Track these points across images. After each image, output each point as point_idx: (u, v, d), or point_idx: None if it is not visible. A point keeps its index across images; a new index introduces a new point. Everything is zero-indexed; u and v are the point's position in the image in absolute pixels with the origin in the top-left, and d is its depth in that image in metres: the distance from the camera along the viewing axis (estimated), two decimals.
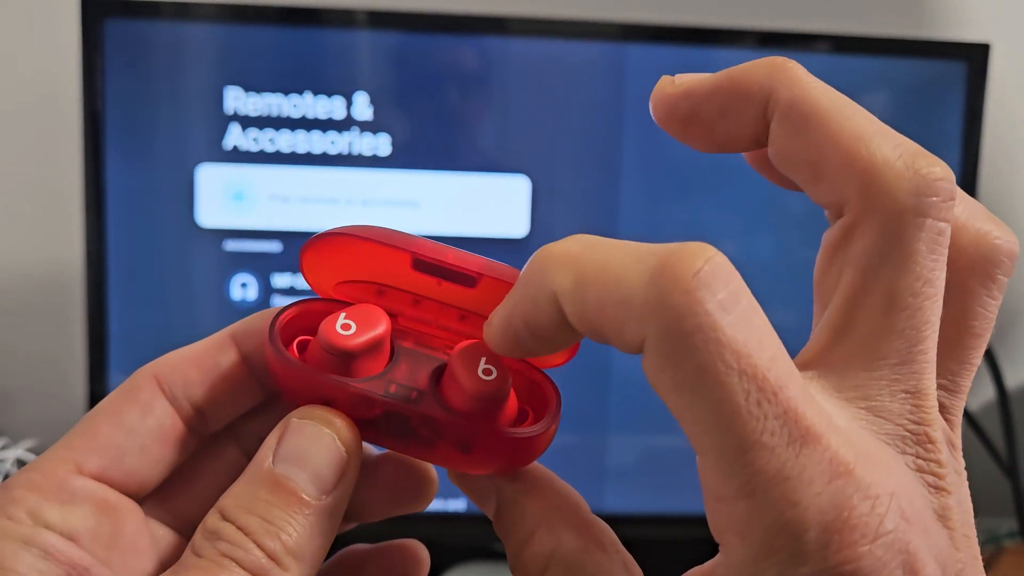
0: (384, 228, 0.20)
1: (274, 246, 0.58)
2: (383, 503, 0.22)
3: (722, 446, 0.14)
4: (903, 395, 0.15)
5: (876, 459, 0.14)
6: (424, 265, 0.20)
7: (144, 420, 0.20)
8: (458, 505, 0.61)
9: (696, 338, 0.14)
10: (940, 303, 0.16)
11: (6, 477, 0.60)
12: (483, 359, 0.19)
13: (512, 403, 0.20)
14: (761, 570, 0.14)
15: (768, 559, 0.14)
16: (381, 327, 0.19)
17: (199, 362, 0.21)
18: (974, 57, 0.59)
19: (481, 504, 0.20)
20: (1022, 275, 0.82)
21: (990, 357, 0.65)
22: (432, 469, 0.22)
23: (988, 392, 0.70)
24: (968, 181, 0.60)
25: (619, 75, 0.57)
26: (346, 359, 0.19)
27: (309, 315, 0.20)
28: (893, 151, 0.16)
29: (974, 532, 0.16)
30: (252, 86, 0.57)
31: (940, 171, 0.16)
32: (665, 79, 0.18)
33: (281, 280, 0.58)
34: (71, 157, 0.62)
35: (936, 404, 0.16)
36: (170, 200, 0.57)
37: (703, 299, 0.14)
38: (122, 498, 0.20)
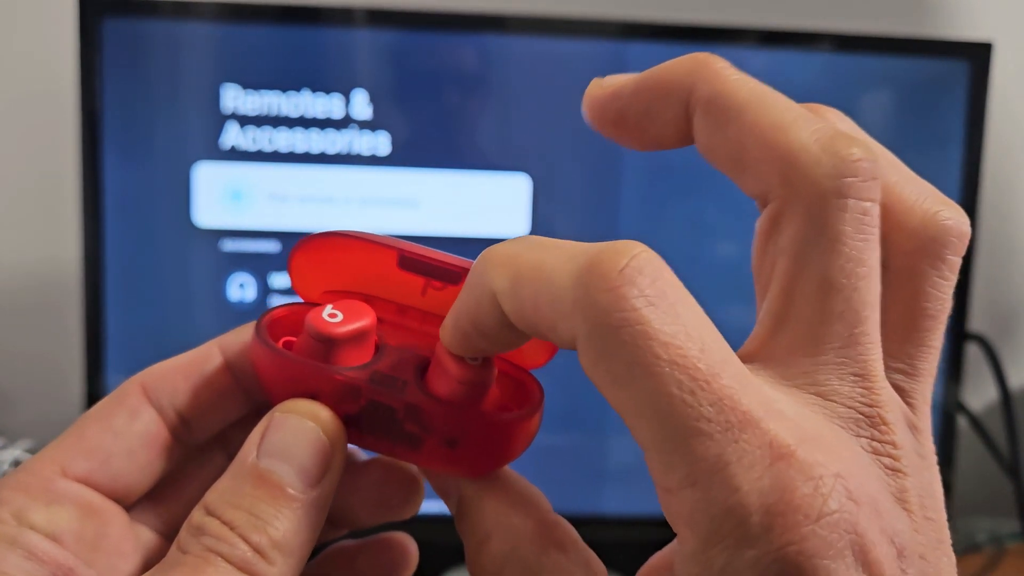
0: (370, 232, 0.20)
1: (272, 246, 0.58)
2: (371, 509, 0.22)
3: (662, 437, 0.14)
4: (852, 378, 0.15)
5: (822, 441, 0.14)
6: (410, 262, 0.20)
7: (130, 425, 0.20)
8: None
9: (624, 332, 0.14)
10: (876, 283, 0.16)
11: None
12: None
13: (495, 396, 0.20)
14: (711, 557, 0.14)
15: (716, 546, 0.14)
16: (367, 319, 0.19)
17: (185, 371, 0.21)
18: (976, 56, 0.59)
19: (445, 499, 0.20)
20: (1023, 275, 0.81)
21: (992, 357, 0.65)
22: (419, 475, 0.22)
23: (991, 393, 0.70)
24: (971, 180, 0.60)
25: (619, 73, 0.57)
26: (331, 347, 0.19)
27: (295, 317, 0.21)
28: (810, 136, 0.16)
29: (941, 516, 0.16)
30: (250, 85, 0.56)
31: (858, 152, 0.15)
32: (594, 82, 0.19)
33: (279, 280, 0.58)
34: (68, 156, 0.62)
35: (886, 385, 0.16)
36: (167, 199, 0.57)
37: (627, 295, 0.14)
38: (107, 502, 0.20)
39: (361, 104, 0.57)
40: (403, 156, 0.57)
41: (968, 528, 0.68)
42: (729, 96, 0.16)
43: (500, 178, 0.58)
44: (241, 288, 0.58)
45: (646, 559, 0.18)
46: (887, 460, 0.15)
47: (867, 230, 0.15)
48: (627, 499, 0.61)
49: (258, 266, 0.58)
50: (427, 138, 0.58)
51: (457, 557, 0.68)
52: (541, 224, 0.58)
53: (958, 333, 0.61)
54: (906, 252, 0.17)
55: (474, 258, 0.19)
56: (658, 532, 0.60)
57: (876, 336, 0.16)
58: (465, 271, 0.20)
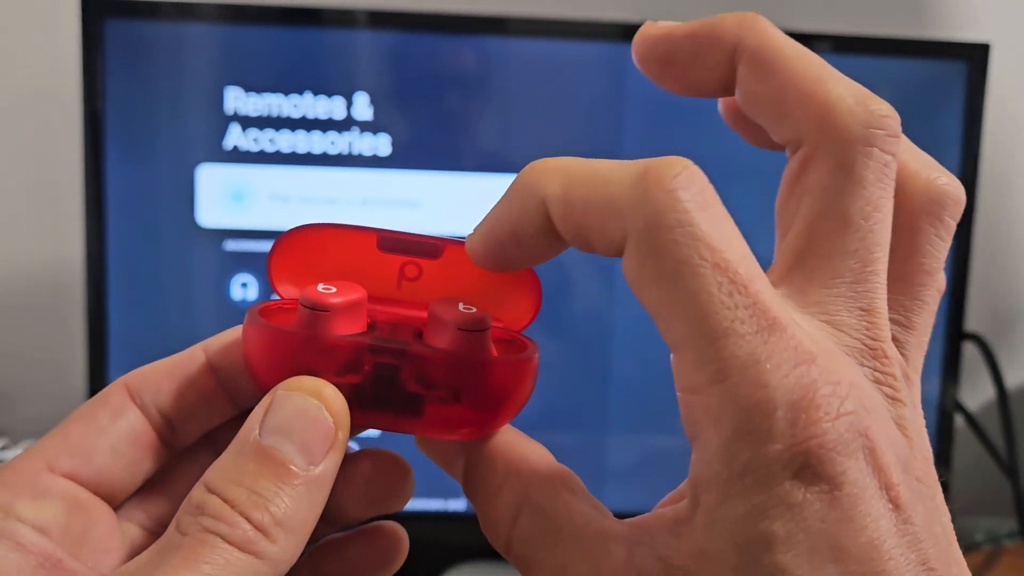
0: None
1: None
2: (361, 502, 0.22)
3: (697, 335, 0.15)
4: (859, 312, 0.16)
5: (836, 356, 0.16)
6: (390, 242, 0.20)
7: (114, 424, 0.20)
8: (458, 505, 0.61)
9: (676, 232, 0.15)
10: (888, 229, 0.17)
11: None
12: (460, 303, 0.20)
13: (492, 349, 0.20)
14: (735, 453, 0.15)
15: (741, 441, 0.15)
16: (359, 293, 0.20)
17: (170, 373, 0.21)
18: (974, 57, 0.59)
19: (450, 468, 0.20)
20: (1021, 275, 0.82)
21: (990, 357, 0.65)
22: (409, 466, 0.22)
23: (988, 392, 0.70)
24: (968, 180, 0.60)
25: (619, 75, 0.57)
26: (327, 318, 0.19)
27: (284, 308, 0.21)
28: (846, 90, 0.17)
29: (932, 471, 0.17)
30: (252, 86, 0.57)
31: (886, 109, 0.17)
32: (648, 23, 0.20)
33: None
34: (71, 157, 0.62)
35: (888, 324, 0.17)
36: (170, 200, 0.57)
37: (682, 197, 0.15)
38: (94, 498, 0.20)
39: (362, 106, 0.57)
40: (404, 157, 0.58)
41: (965, 527, 0.68)
42: (775, 49, 0.18)
43: (500, 179, 0.58)
44: (243, 288, 0.58)
45: None
46: (888, 390, 0.16)
47: (886, 180, 0.17)
48: (627, 499, 0.61)
49: (260, 266, 0.58)
50: (428, 139, 0.58)
51: (457, 557, 0.68)
52: None
53: (955, 333, 0.62)
54: (908, 211, 0.18)
55: None
56: None
57: (884, 277, 0.17)
58: (444, 245, 0.20)
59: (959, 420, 0.66)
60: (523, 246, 0.18)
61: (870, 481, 0.15)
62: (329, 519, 0.22)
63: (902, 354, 0.17)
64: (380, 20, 0.57)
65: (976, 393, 0.74)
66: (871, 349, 0.16)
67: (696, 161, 0.16)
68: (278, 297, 0.21)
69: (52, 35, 0.67)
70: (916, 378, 0.18)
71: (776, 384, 0.15)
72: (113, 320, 0.58)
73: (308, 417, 0.18)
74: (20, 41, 0.69)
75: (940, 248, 0.18)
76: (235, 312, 0.58)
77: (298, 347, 0.19)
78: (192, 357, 0.21)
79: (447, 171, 0.58)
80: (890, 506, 0.15)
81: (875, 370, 0.16)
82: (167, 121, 0.57)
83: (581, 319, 0.59)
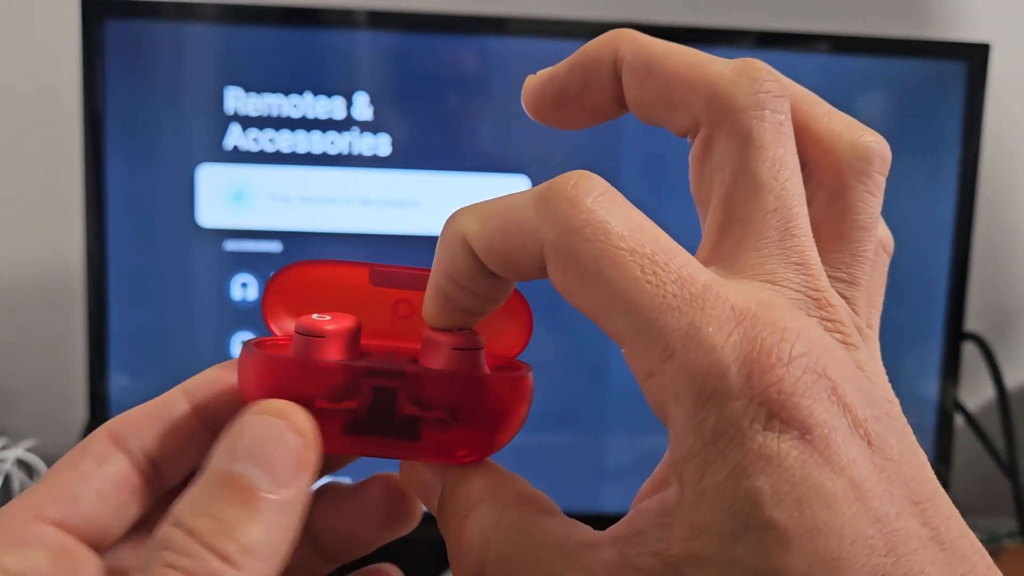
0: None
1: (274, 246, 0.58)
2: (375, 528, 0.22)
3: (635, 320, 0.15)
4: (795, 266, 0.17)
5: (778, 306, 0.16)
6: (381, 276, 0.21)
7: (99, 469, 0.20)
8: None
9: (586, 231, 0.16)
10: (800, 184, 0.18)
11: (6, 477, 0.61)
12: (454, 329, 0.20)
13: (486, 369, 0.20)
14: (702, 420, 0.15)
15: (704, 407, 0.15)
16: (353, 322, 0.20)
17: (152, 416, 0.21)
18: (974, 57, 0.59)
19: (427, 498, 0.20)
20: (1021, 275, 0.82)
21: (989, 357, 0.65)
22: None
23: (988, 392, 0.70)
24: (968, 180, 0.60)
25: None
26: (323, 344, 0.19)
27: (279, 345, 0.21)
28: (725, 66, 0.18)
29: (900, 412, 0.16)
30: (252, 86, 0.57)
31: (766, 72, 0.18)
32: (529, 76, 0.21)
33: None
34: (72, 157, 0.62)
35: (824, 275, 0.17)
36: (170, 200, 0.57)
37: (582, 199, 0.16)
38: (81, 546, 0.20)
39: (362, 106, 0.57)
40: (404, 157, 0.58)
41: None
42: (650, 51, 0.19)
43: (500, 179, 0.58)
44: (243, 288, 0.58)
45: None
46: (838, 336, 0.16)
47: (784, 138, 0.18)
48: (626, 499, 0.61)
49: (260, 266, 0.58)
50: (428, 139, 0.58)
51: None
52: None
53: (955, 333, 0.62)
54: (837, 171, 0.18)
55: None
56: None
57: (808, 230, 0.17)
58: None
59: (959, 420, 0.66)
60: (466, 290, 0.18)
61: (839, 421, 0.15)
62: (337, 553, 0.22)
63: (853, 309, 0.18)
64: (380, 20, 0.57)
65: (976, 393, 0.74)
66: (815, 300, 0.16)
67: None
68: (271, 335, 0.21)
69: (52, 35, 0.67)
70: (872, 334, 0.18)
71: (721, 344, 0.15)
72: (113, 320, 0.58)
73: (275, 439, 0.17)
74: (20, 41, 0.69)
75: (872, 204, 0.18)
76: (235, 311, 0.58)
77: (294, 373, 0.19)
78: (172, 399, 0.21)
79: (447, 171, 0.58)
80: (863, 443, 0.15)
81: (822, 319, 0.16)
82: (167, 121, 0.57)
83: (580, 319, 0.59)
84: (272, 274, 0.21)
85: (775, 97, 0.18)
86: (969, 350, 0.67)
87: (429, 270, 0.20)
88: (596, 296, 0.16)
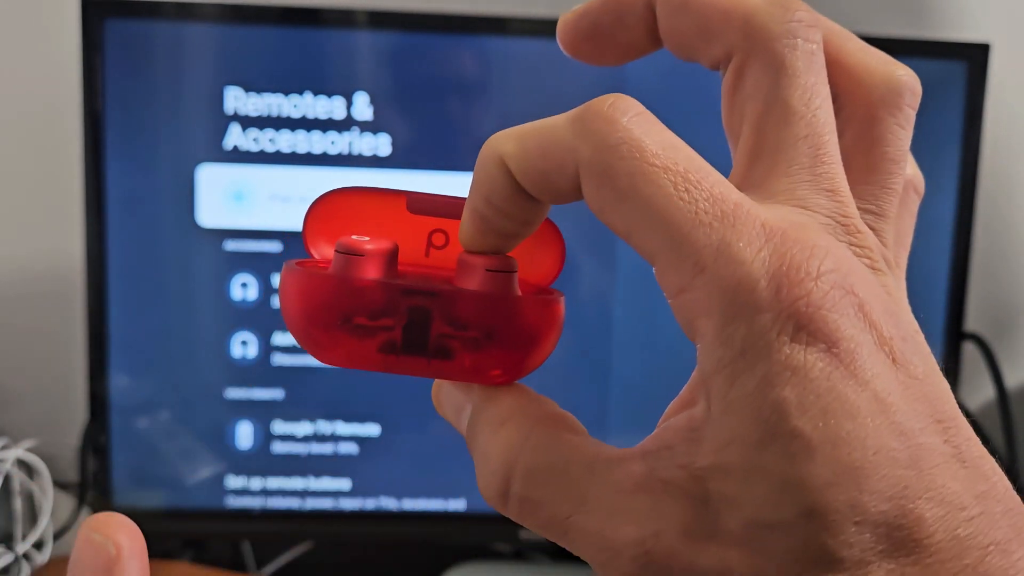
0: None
1: (274, 246, 0.58)
2: None
3: (667, 236, 0.16)
4: (826, 192, 0.17)
5: (808, 227, 0.16)
6: (418, 203, 0.21)
7: None
8: (458, 505, 0.61)
9: (622, 149, 0.16)
10: (830, 112, 0.18)
11: (6, 478, 0.61)
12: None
13: (519, 292, 0.20)
14: (731, 333, 0.15)
15: (733, 320, 0.15)
16: (391, 243, 0.20)
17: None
18: (974, 57, 0.59)
19: (457, 419, 0.20)
20: (1021, 275, 0.82)
21: (989, 357, 0.65)
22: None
23: (988, 392, 0.70)
24: (968, 180, 0.60)
25: (619, 75, 0.57)
26: (362, 263, 0.19)
27: (318, 267, 0.21)
28: None
29: (923, 338, 0.17)
30: (252, 86, 0.57)
31: (799, 3, 0.18)
32: (563, 14, 0.21)
33: None
34: (71, 157, 0.62)
35: (853, 202, 0.17)
36: (170, 200, 0.57)
37: (618, 119, 0.16)
38: None
39: (362, 106, 0.57)
40: (404, 157, 0.58)
41: None
42: None
43: None
44: (243, 288, 0.58)
45: None
46: (866, 261, 0.17)
47: (816, 66, 0.18)
48: None
49: (260, 266, 0.58)
50: (428, 140, 0.58)
51: (457, 557, 0.69)
52: None
53: (955, 333, 0.62)
54: (868, 104, 0.19)
55: None
56: None
57: (838, 158, 0.18)
58: None
59: None
60: (502, 211, 0.18)
61: (865, 336, 0.15)
62: None
63: (880, 240, 0.18)
64: (380, 20, 0.57)
65: (976, 393, 0.74)
66: (844, 225, 0.17)
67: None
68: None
69: (52, 35, 0.67)
70: (899, 272, 0.18)
71: (752, 259, 0.15)
72: (113, 320, 0.58)
73: (91, 552, 0.17)
74: (20, 41, 0.69)
75: (902, 137, 0.19)
76: (235, 311, 0.58)
77: (333, 290, 0.19)
78: None
79: (447, 171, 0.58)
80: (888, 360, 0.15)
81: (851, 244, 0.17)
82: (167, 121, 0.57)
83: (581, 319, 0.59)
84: (313, 201, 0.21)
85: (807, 27, 0.18)
86: (969, 350, 0.67)
87: (463, 198, 0.20)
88: (629, 213, 0.16)
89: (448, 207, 0.21)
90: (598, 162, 0.16)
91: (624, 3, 0.20)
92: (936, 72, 0.60)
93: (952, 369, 0.62)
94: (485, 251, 0.19)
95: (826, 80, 0.18)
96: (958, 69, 0.59)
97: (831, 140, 0.17)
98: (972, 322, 0.71)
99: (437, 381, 0.21)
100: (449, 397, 0.21)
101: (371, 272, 0.19)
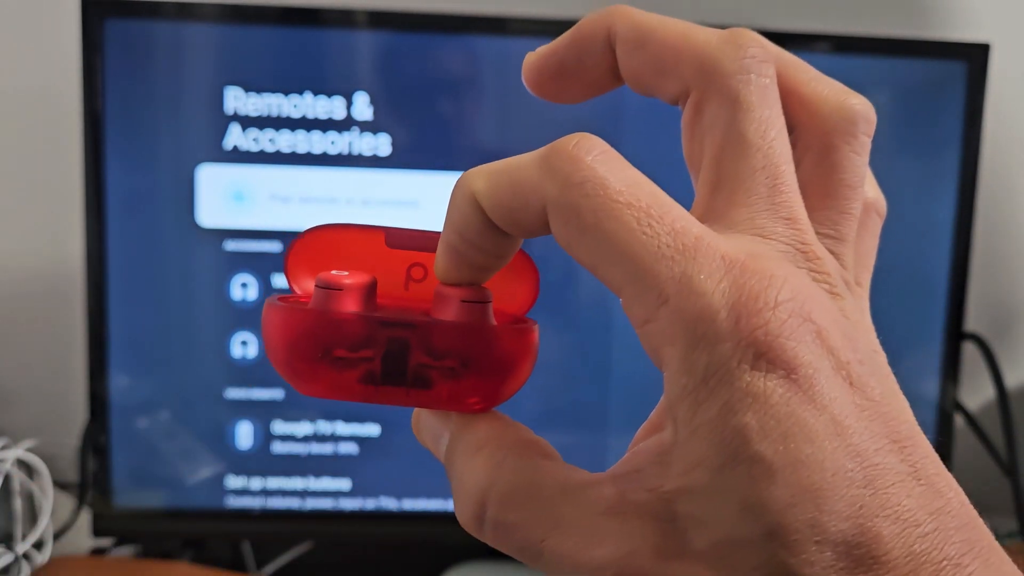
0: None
1: (274, 246, 0.58)
2: None
3: (632, 270, 0.16)
4: (784, 221, 0.18)
5: (767, 257, 0.16)
6: (396, 238, 0.22)
7: None
8: None
9: (586, 187, 0.16)
10: (787, 143, 0.18)
11: (6, 478, 0.61)
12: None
13: (495, 322, 0.21)
14: (694, 361, 0.16)
15: (695, 349, 0.16)
16: (370, 278, 0.21)
17: None
18: (974, 57, 0.59)
19: (436, 446, 0.21)
20: (1021, 275, 0.82)
21: (989, 356, 0.65)
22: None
23: (988, 392, 0.70)
24: (968, 180, 0.60)
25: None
26: (341, 297, 0.20)
27: (300, 302, 0.22)
28: (712, 35, 0.19)
29: (884, 359, 0.17)
30: (252, 86, 0.57)
31: (751, 39, 0.19)
32: (528, 53, 0.22)
33: (281, 280, 0.58)
34: (71, 157, 0.62)
35: (812, 229, 0.18)
36: (170, 200, 0.57)
37: (583, 157, 0.17)
38: None
39: (362, 106, 0.57)
40: (404, 157, 0.58)
41: None
42: (642, 23, 0.20)
43: None
44: (243, 288, 0.58)
45: None
46: (825, 286, 0.17)
47: (770, 100, 0.18)
48: None
49: (260, 266, 0.58)
50: (428, 140, 0.58)
51: (457, 557, 0.69)
52: None
53: (955, 333, 0.62)
54: (823, 132, 0.19)
55: None
56: None
57: (795, 187, 0.18)
58: None
59: (959, 420, 0.66)
60: (474, 245, 0.19)
61: (823, 362, 0.16)
62: None
63: (842, 265, 0.19)
64: (380, 20, 0.57)
65: (976, 393, 0.74)
66: (803, 252, 0.17)
67: None
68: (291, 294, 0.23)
69: (52, 35, 0.67)
70: (860, 291, 0.19)
71: (712, 291, 0.16)
72: (113, 319, 0.58)
73: None
74: (20, 41, 0.69)
75: (857, 163, 0.19)
76: (235, 312, 0.58)
77: (314, 324, 0.20)
78: None
79: (447, 171, 0.58)
80: (846, 384, 0.16)
81: (810, 270, 0.17)
82: (167, 121, 0.57)
83: (581, 319, 0.59)
84: (294, 237, 0.22)
85: (760, 62, 0.19)
86: (969, 350, 0.67)
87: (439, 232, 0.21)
88: (595, 247, 0.17)
89: (425, 241, 0.22)
90: (564, 200, 0.17)
91: (586, 43, 0.20)
92: (936, 72, 0.60)
93: (952, 369, 0.62)
94: (460, 283, 0.20)
95: (781, 112, 0.19)
96: (958, 69, 0.59)
97: (788, 170, 0.18)
98: (972, 322, 0.71)
99: (416, 409, 0.22)
100: (428, 425, 0.21)
101: (350, 305, 0.20)
